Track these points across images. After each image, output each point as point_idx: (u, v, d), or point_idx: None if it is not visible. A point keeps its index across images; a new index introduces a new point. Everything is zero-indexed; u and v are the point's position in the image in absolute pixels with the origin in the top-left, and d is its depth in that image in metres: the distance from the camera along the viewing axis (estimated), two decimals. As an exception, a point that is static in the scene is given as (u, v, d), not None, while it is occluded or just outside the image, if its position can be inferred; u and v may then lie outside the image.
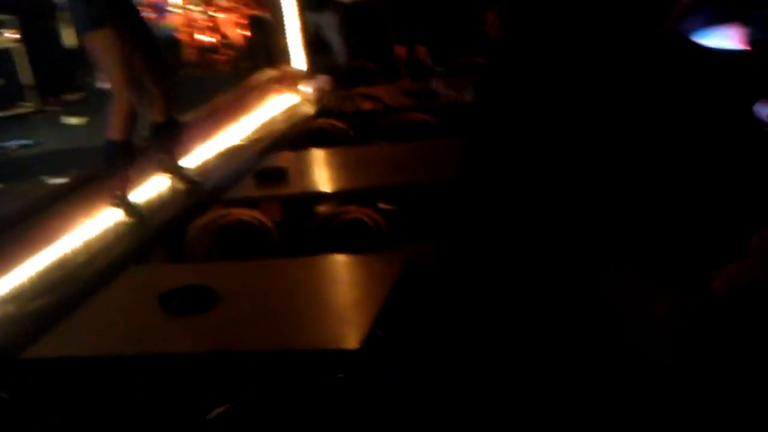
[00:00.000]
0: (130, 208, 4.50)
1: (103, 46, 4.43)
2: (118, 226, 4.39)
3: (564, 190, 5.76)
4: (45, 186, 5.97)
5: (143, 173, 4.83)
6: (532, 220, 5.34)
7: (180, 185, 4.88)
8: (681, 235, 4.86)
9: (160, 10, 9.12)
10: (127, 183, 4.55)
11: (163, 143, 4.85)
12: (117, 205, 4.48)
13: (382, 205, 4.38)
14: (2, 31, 9.38)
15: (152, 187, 4.92)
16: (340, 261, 3.65)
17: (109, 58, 4.44)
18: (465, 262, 4.59)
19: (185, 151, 5.00)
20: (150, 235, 4.32)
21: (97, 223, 4.37)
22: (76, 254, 4.06)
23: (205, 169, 5.10)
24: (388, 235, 3.77)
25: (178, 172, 4.90)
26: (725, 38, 6.00)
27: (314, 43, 8.26)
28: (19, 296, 3.63)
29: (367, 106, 6.10)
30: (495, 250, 4.91)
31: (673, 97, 6.26)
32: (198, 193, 4.81)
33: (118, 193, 4.52)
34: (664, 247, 4.71)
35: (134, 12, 4.64)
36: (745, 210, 4.53)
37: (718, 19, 6.61)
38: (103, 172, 4.55)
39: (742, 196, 4.65)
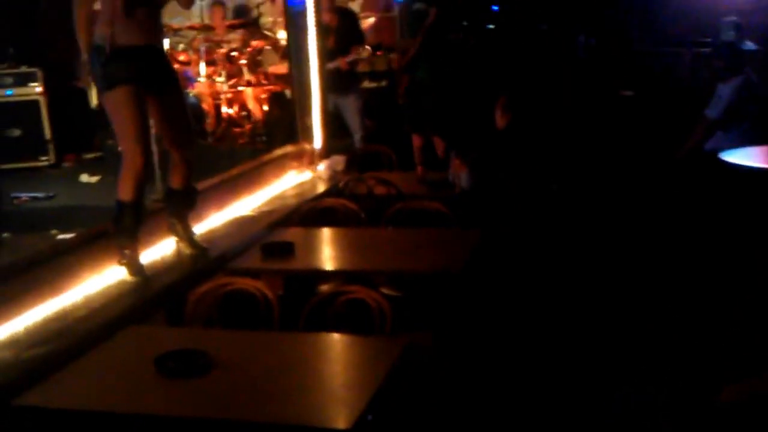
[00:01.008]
0: (135, 268, 4.51)
1: (115, 106, 4.48)
2: (120, 284, 4.41)
3: (571, 292, 5.79)
4: (51, 239, 6.01)
5: (152, 235, 4.84)
6: (536, 321, 5.36)
7: (187, 251, 4.90)
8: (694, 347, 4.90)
9: (190, 79, 9.28)
10: (135, 243, 4.56)
11: (177, 210, 4.89)
12: (123, 264, 4.49)
13: (385, 290, 4.38)
14: (29, 83, 9.52)
15: (159, 250, 4.93)
16: (338, 340, 3.65)
17: (120, 119, 4.49)
18: (465, 356, 4.57)
19: (196, 217, 5.02)
20: (151, 297, 4.32)
21: (100, 280, 4.38)
22: (76, 308, 4.06)
23: (212, 237, 5.12)
24: (389, 320, 3.76)
25: (187, 239, 4.93)
26: (751, 157, 6.09)
27: (332, 124, 8.37)
28: (16, 343, 3.63)
29: (381, 190, 6.14)
30: (496, 348, 4.91)
31: (698, 212, 6.34)
32: (203, 260, 4.82)
33: (126, 252, 4.53)
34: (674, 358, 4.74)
35: (164, 78, 4.66)
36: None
37: (743, 137, 6.72)
38: (111, 230, 4.56)
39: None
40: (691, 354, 4.86)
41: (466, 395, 4.33)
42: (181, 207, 4.89)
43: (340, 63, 8.36)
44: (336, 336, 3.67)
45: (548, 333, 5.25)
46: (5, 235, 5.34)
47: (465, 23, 8.12)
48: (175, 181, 4.83)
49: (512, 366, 4.81)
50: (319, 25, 7.73)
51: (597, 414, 4.37)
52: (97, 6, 4.59)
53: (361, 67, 9.24)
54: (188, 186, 4.88)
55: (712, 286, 5.48)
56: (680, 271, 5.96)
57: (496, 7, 11.58)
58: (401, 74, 7.94)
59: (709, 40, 10.10)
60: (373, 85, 10.33)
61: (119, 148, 4.62)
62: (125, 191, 4.51)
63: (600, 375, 4.76)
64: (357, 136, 8.53)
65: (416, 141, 7.54)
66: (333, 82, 8.38)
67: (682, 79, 10.74)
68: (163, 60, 4.70)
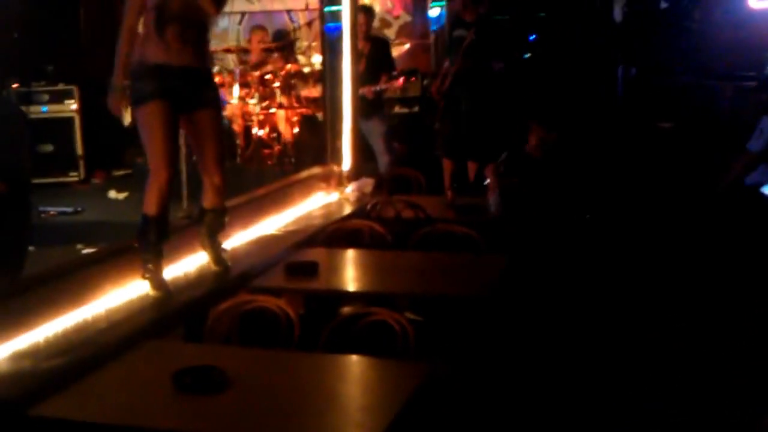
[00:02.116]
0: (158, 283, 4.49)
1: (142, 122, 4.51)
2: (142, 298, 4.37)
3: (600, 322, 5.70)
4: (76, 253, 6.02)
5: (176, 251, 4.82)
6: (562, 350, 5.27)
7: (212, 268, 4.86)
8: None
9: (222, 101, 9.31)
10: (159, 258, 4.55)
11: (207, 228, 4.86)
12: (147, 279, 4.48)
13: (408, 315, 4.31)
14: (65, 100, 9.61)
15: (183, 266, 4.90)
16: (358, 362, 3.59)
17: (147, 134, 4.51)
18: (487, 383, 4.49)
19: (222, 235, 4.99)
20: (172, 312, 4.29)
21: (122, 294, 4.35)
22: (97, 320, 4.04)
23: (237, 255, 5.09)
24: (412, 344, 3.69)
25: (215, 257, 4.89)
26: None
27: (363, 147, 8.36)
28: (35, 353, 3.61)
29: (408, 213, 6.09)
30: (520, 376, 4.82)
31: (738, 247, 6.24)
32: (226, 278, 4.79)
33: (150, 266, 4.51)
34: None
35: (198, 101, 4.63)
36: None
37: None
38: (136, 244, 4.55)
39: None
40: (727, 379, 4.77)
41: (487, 423, 4.24)
42: (211, 226, 4.86)
43: (366, 92, 8.38)
44: (356, 358, 3.60)
45: (575, 362, 5.15)
46: (31, 248, 5.35)
47: (505, 51, 8.09)
48: (206, 201, 4.83)
49: (536, 393, 4.72)
50: (355, 50, 7.73)
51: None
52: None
53: (390, 93, 9.25)
54: (219, 206, 4.85)
55: (752, 320, 5.38)
56: (718, 306, 5.85)
57: (533, 37, 11.58)
58: (439, 99, 7.94)
59: (752, 74, 9.99)
60: (404, 110, 10.34)
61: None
62: (149, 205, 4.51)
63: (628, 405, 4.67)
64: (381, 160, 8.52)
65: (447, 165, 7.50)
66: (358, 107, 8.40)
67: (723, 112, 10.63)
68: (201, 82, 4.64)
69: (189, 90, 4.56)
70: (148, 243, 4.50)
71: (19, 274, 4.52)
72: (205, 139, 4.68)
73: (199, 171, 4.84)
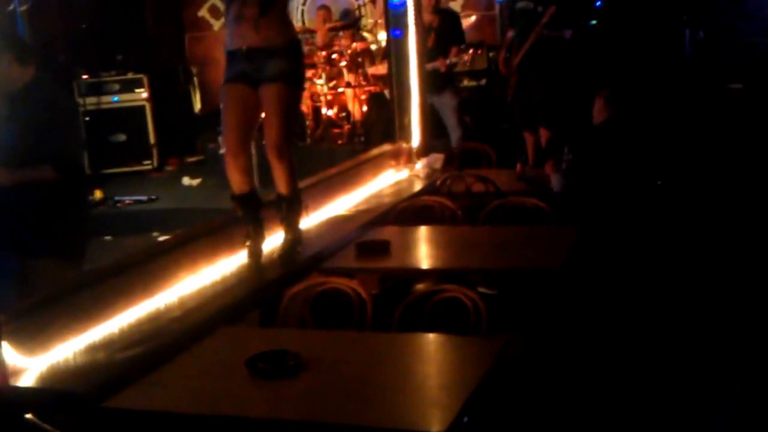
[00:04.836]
0: (251, 253, 4.66)
1: (221, 102, 4.67)
2: (215, 284, 4.39)
3: (673, 293, 5.55)
4: (152, 241, 6.08)
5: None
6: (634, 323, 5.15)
7: (283, 250, 4.82)
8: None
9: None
10: (257, 229, 4.69)
11: (283, 213, 4.83)
12: (246, 248, 4.66)
13: (482, 289, 4.26)
14: (135, 89, 9.72)
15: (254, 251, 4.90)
16: (432, 340, 3.56)
17: (221, 117, 4.66)
18: (560, 356, 4.41)
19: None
20: (245, 297, 4.29)
21: (195, 281, 4.37)
22: (170, 309, 4.05)
23: (309, 236, 5.06)
24: (485, 320, 3.64)
25: (286, 239, 4.85)
26: None
27: (431, 123, 8.30)
28: (110, 345, 3.63)
29: (479, 188, 6.02)
30: (591, 349, 4.72)
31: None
32: (299, 260, 4.77)
33: (248, 243, 4.67)
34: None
35: (264, 77, 4.56)
36: None
37: None
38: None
39: None
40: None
41: (562, 397, 4.17)
42: (282, 211, 4.82)
43: (440, 64, 8.30)
44: (430, 336, 3.57)
45: (647, 336, 5.03)
46: (107, 237, 5.42)
47: (573, 19, 7.96)
48: (277, 186, 4.78)
49: (607, 366, 4.62)
50: (420, 25, 7.66)
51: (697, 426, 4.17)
52: None
53: (460, 67, 9.15)
54: (284, 193, 4.76)
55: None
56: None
57: (599, 3, 11.37)
58: (512, 72, 7.85)
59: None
60: (472, 83, 10.24)
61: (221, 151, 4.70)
62: (231, 185, 4.66)
63: (701, 384, 4.53)
64: (454, 135, 8.44)
65: (529, 138, 7.45)
66: (429, 82, 8.32)
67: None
68: (266, 58, 4.57)
69: (254, 69, 4.57)
70: (240, 218, 4.68)
71: (80, 265, 4.55)
72: (265, 116, 4.64)
73: None
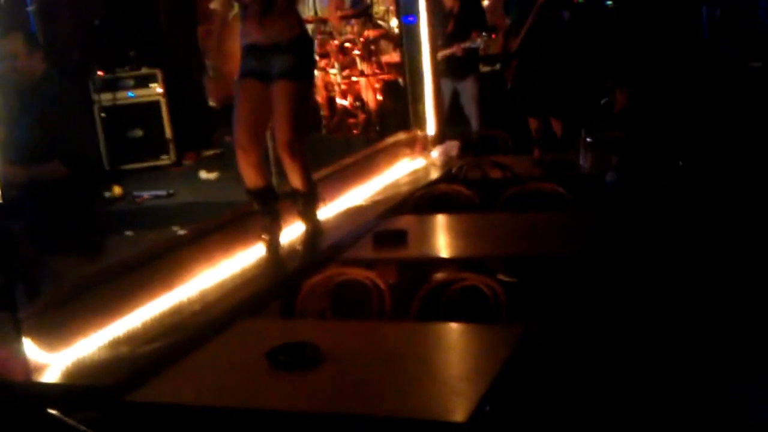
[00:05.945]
0: (268, 246, 4.67)
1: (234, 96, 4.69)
2: (234, 277, 4.41)
3: (695, 277, 5.51)
4: (172, 235, 6.09)
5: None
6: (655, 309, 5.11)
7: (301, 242, 4.84)
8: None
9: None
10: (274, 222, 4.72)
11: (299, 208, 4.84)
12: (263, 241, 4.68)
13: (501, 277, 4.25)
14: (150, 84, 9.71)
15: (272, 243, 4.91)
16: (453, 329, 3.55)
17: (233, 112, 4.68)
18: (581, 343, 4.39)
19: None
20: (265, 289, 4.31)
21: (215, 274, 4.39)
22: (191, 302, 4.08)
23: (326, 227, 5.07)
24: (505, 307, 3.63)
25: (305, 233, 4.86)
26: None
27: (447, 110, 8.26)
28: (132, 339, 3.66)
29: (496, 174, 6.00)
30: (611, 336, 4.70)
31: None
32: (317, 251, 4.78)
33: (264, 236, 4.69)
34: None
35: (273, 73, 4.58)
36: None
37: None
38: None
39: None
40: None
41: (583, 384, 4.16)
42: (302, 205, 4.83)
43: (456, 50, 8.26)
44: (450, 325, 3.57)
45: (665, 321, 5.00)
46: (128, 233, 5.43)
47: (576, 2, 7.94)
48: (292, 182, 4.78)
49: (628, 354, 4.60)
50: (431, 11, 7.61)
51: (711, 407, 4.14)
52: None
53: (481, 51, 9.10)
54: (297, 188, 4.78)
55: None
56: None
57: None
58: (511, 58, 7.81)
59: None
60: (487, 69, 10.18)
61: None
62: (245, 180, 4.69)
63: (716, 367, 4.49)
64: (474, 124, 8.41)
65: (532, 123, 7.38)
66: (451, 67, 8.29)
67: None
68: (272, 54, 4.60)
69: (263, 66, 4.58)
70: (258, 212, 4.71)
71: (96, 261, 4.57)
72: (274, 114, 4.63)
73: None
